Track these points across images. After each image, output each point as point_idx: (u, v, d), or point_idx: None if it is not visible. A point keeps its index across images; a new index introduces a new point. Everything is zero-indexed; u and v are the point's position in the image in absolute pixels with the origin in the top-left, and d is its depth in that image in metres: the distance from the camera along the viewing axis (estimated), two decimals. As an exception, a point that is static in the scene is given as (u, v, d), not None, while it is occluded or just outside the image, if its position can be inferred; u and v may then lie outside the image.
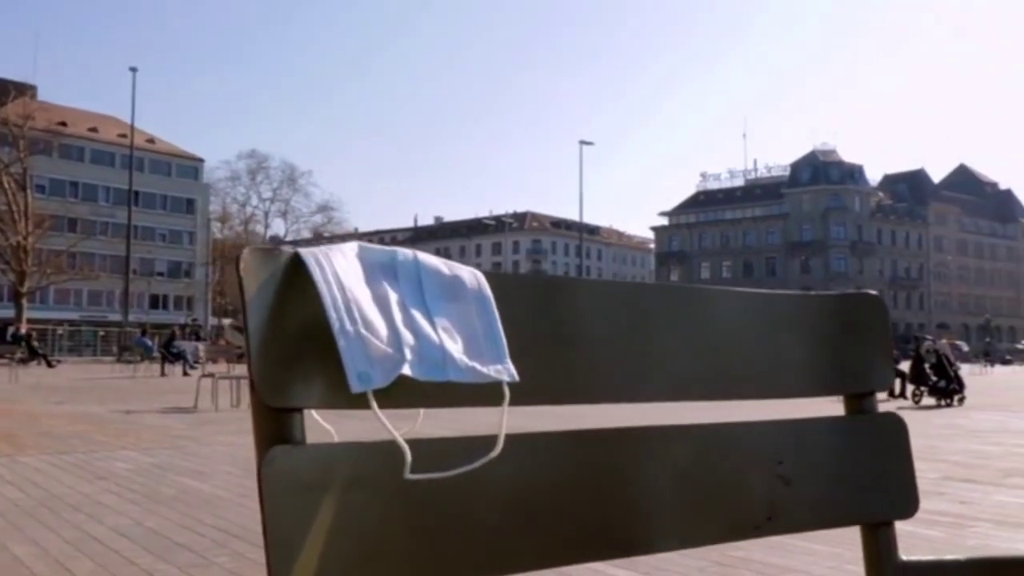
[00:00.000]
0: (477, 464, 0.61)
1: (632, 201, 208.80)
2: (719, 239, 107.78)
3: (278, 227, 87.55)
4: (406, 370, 0.60)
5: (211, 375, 13.02)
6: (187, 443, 8.26)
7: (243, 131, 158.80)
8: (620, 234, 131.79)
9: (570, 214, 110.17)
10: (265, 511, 0.54)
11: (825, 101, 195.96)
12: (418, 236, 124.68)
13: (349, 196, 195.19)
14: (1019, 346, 71.46)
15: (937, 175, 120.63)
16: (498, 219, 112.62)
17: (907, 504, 0.87)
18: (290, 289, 0.59)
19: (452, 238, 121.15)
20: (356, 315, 0.60)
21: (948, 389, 14.89)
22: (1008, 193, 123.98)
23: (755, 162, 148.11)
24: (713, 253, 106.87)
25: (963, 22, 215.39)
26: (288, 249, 0.61)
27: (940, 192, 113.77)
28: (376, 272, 0.63)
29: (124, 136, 69.86)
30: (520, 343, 0.64)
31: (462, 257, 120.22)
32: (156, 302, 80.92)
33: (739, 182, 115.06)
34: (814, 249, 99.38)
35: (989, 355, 46.00)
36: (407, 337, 0.61)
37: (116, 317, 60.55)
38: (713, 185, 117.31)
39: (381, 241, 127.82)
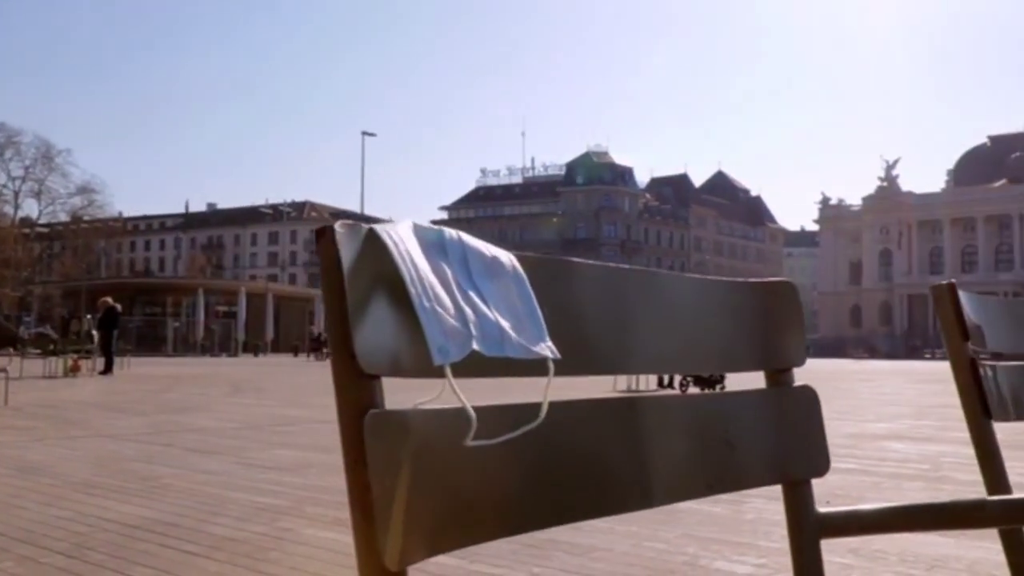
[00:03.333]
0: (519, 432, 0.67)
1: (413, 194, 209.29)
2: (497, 234, 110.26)
3: (30, 208, 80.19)
4: (475, 345, 0.65)
5: (-40, 369, 11.83)
6: (-60, 443, 7.51)
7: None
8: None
9: (351, 205, 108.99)
10: (369, 473, 0.57)
11: (599, 104, 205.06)
12: (189, 223, 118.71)
13: (114, 178, 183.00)
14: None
15: (698, 180, 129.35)
16: (275, 208, 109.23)
17: (821, 465, 1.01)
18: (373, 263, 0.62)
19: (226, 226, 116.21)
20: (429, 291, 0.64)
21: (711, 379, 16.07)
22: (758, 199, 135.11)
23: (533, 160, 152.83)
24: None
25: (720, 36, 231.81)
26: (364, 225, 0.63)
27: (701, 196, 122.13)
28: (431, 250, 0.67)
29: None
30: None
31: (237, 246, 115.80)
32: None
33: (517, 179, 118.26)
34: (587, 246, 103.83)
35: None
36: (469, 314, 0.66)
37: None
38: (492, 181, 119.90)
39: (149, 227, 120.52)
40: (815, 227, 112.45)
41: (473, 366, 0.63)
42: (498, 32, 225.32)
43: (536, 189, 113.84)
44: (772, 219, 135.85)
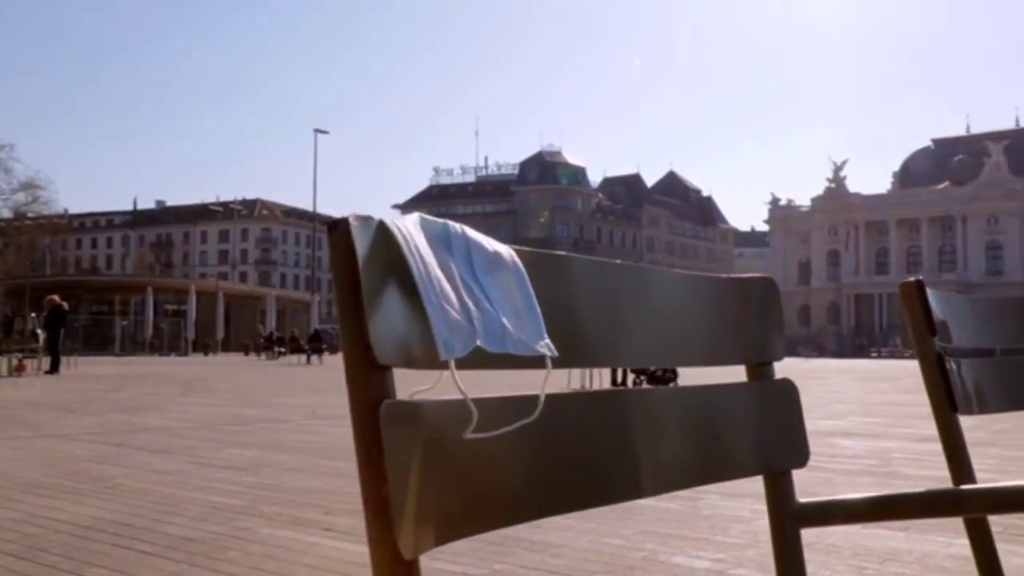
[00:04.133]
0: (515, 426, 0.69)
1: (366, 192, 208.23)
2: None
3: (-30, 204, 77.88)
4: (478, 341, 0.66)
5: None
6: None
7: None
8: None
9: (303, 203, 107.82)
10: (385, 463, 0.58)
11: (553, 104, 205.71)
12: (137, 220, 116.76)
13: (59, 175, 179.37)
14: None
15: (650, 180, 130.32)
16: (226, 205, 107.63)
17: (801, 456, 1.04)
18: (385, 255, 0.63)
19: (176, 223, 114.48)
20: (436, 286, 0.65)
21: (664, 377, 16.31)
22: (709, 200, 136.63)
23: (486, 159, 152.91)
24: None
25: (672, 39, 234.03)
26: (375, 217, 0.64)
27: (653, 196, 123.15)
28: (436, 243, 0.68)
29: None
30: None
31: (186, 244, 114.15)
32: None
33: (471, 178, 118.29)
34: (541, 245, 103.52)
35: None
36: (473, 310, 0.67)
37: None
38: (446, 180, 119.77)
39: (96, 225, 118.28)
40: (765, 227, 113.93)
41: (476, 360, 0.65)
42: (452, 31, 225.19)
43: (489, 188, 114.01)
44: (723, 219, 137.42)
